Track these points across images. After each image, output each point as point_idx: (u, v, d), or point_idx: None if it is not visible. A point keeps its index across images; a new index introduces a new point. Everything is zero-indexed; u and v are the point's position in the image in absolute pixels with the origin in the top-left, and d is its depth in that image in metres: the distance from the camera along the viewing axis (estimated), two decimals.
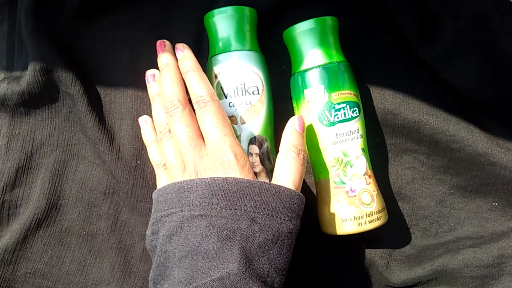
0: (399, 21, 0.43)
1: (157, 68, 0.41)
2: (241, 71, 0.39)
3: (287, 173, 0.34)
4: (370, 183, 0.39)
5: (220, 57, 0.39)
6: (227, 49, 0.39)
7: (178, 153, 0.36)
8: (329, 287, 0.43)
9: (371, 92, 0.42)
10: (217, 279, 0.28)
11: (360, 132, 0.39)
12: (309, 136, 0.40)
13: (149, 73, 0.42)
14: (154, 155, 0.40)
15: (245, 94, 0.39)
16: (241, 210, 0.31)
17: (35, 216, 0.43)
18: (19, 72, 0.45)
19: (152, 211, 0.36)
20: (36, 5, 0.43)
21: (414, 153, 0.42)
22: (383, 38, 0.43)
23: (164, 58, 0.39)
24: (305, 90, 0.39)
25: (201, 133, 0.36)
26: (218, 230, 0.30)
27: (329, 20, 0.39)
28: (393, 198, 0.43)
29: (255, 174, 0.38)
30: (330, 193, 0.39)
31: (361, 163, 0.39)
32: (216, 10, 0.40)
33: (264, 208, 0.31)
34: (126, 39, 0.45)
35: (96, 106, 0.44)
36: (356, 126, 0.39)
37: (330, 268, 0.43)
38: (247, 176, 0.33)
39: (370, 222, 0.38)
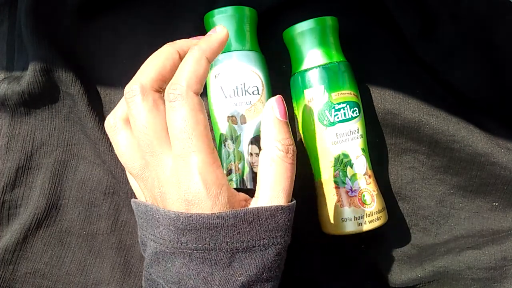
0: (399, 21, 0.43)
1: None
2: (241, 71, 0.39)
3: (274, 180, 0.28)
4: (370, 183, 0.39)
5: (220, 57, 0.39)
6: (227, 49, 0.39)
7: (135, 152, 0.30)
8: (328, 287, 0.43)
9: (371, 92, 0.42)
10: None
11: (360, 132, 0.39)
12: (309, 136, 0.40)
13: None
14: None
15: (245, 94, 0.39)
16: (215, 250, 0.26)
17: (35, 216, 0.43)
18: (19, 72, 0.45)
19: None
20: (36, 5, 0.43)
21: (414, 153, 0.42)
22: (383, 38, 0.43)
23: (183, 40, 0.32)
24: (305, 90, 0.39)
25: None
26: (194, 272, 0.26)
27: (329, 20, 0.39)
28: (393, 198, 0.43)
29: (255, 174, 0.38)
30: (330, 193, 0.39)
31: (361, 163, 0.39)
32: (216, 10, 0.40)
33: (243, 241, 0.26)
34: (126, 39, 0.45)
35: (96, 106, 0.44)
36: (356, 126, 0.39)
37: (330, 268, 0.43)
38: (221, 207, 0.26)
39: (370, 222, 0.38)
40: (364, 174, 0.39)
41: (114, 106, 0.44)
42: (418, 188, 0.43)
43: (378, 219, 0.38)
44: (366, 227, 0.38)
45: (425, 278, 0.40)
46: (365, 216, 0.38)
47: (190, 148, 0.26)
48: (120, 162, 0.43)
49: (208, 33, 0.31)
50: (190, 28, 0.44)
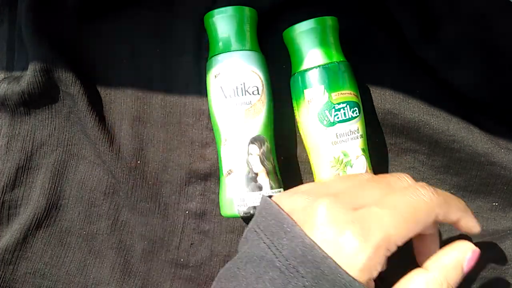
0: (399, 21, 0.43)
1: (156, 64, 0.41)
2: (241, 71, 0.39)
3: None
4: None
5: (220, 57, 0.39)
6: (227, 49, 0.39)
7: None
8: None
9: (371, 92, 0.42)
10: None
11: (360, 132, 0.39)
12: (309, 136, 0.40)
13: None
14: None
15: (245, 94, 0.39)
16: None
17: (35, 216, 0.43)
18: (19, 72, 0.45)
19: None
20: (36, 5, 0.43)
21: (414, 153, 0.42)
22: (383, 38, 0.43)
23: None
24: (305, 90, 0.39)
25: None
26: None
27: (329, 20, 0.39)
28: None
29: (255, 174, 0.38)
30: None
31: (361, 163, 0.39)
32: (216, 10, 0.40)
33: None
34: (126, 39, 0.45)
35: (96, 106, 0.44)
36: (356, 126, 0.39)
37: None
38: (364, 280, 0.26)
39: None
40: None
41: (114, 106, 0.44)
42: None
43: None
44: None
45: None
46: None
47: (388, 233, 0.27)
48: (120, 162, 0.43)
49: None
50: (190, 29, 0.44)
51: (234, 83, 0.39)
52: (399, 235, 0.27)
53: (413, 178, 0.42)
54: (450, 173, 0.42)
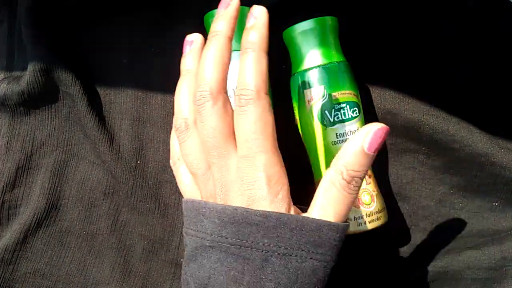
0: (399, 21, 0.43)
1: (156, 64, 0.41)
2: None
3: (328, 202, 0.28)
4: (370, 183, 0.39)
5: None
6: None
7: (201, 153, 0.30)
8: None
9: (371, 92, 0.42)
10: None
11: None
12: (309, 136, 0.40)
13: (189, 38, 0.34)
14: (175, 144, 0.34)
15: None
16: (251, 248, 0.26)
17: (35, 216, 0.43)
18: (19, 72, 0.45)
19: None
20: (36, 5, 0.43)
21: (414, 153, 0.42)
22: (383, 38, 0.43)
23: (219, 23, 0.30)
24: (305, 90, 0.39)
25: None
26: (227, 268, 0.26)
27: (329, 20, 0.39)
28: (393, 198, 0.43)
29: None
30: None
31: None
32: (215, 10, 0.39)
33: (280, 246, 0.26)
34: (126, 39, 0.45)
35: (96, 106, 0.44)
36: (356, 126, 0.39)
37: None
38: (278, 207, 0.27)
39: (370, 222, 0.38)
40: None
41: (114, 106, 0.44)
42: (418, 188, 0.43)
43: (378, 219, 0.38)
44: (366, 227, 0.38)
45: (425, 278, 0.40)
46: (365, 216, 0.38)
47: (257, 148, 0.27)
48: (120, 162, 0.43)
49: (249, 17, 0.29)
50: (189, 28, 0.44)
51: (234, 83, 0.38)
52: (267, 159, 0.28)
53: (413, 178, 0.43)
54: (450, 173, 0.42)
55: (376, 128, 0.28)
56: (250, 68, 0.28)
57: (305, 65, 0.39)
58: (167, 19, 0.45)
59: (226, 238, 0.27)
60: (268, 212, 0.26)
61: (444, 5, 0.42)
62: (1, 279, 0.42)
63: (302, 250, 0.26)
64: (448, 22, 0.42)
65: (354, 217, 0.38)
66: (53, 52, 0.42)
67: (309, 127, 0.39)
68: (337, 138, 0.38)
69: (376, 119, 0.42)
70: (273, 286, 0.26)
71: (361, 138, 0.28)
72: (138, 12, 0.45)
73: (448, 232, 0.42)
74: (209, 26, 0.40)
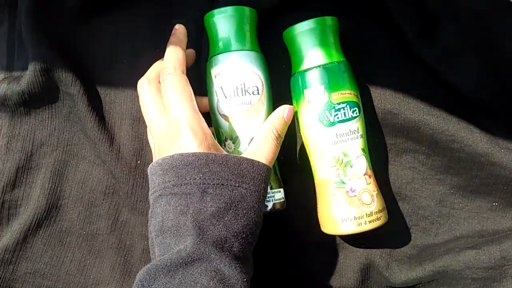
0: (399, 21, 0.43)
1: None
2: (241, 71, 0.39)
3: (261, 149, 0.35)
4: (370, 183, 0.39)
5: (220, 57, 0.39)
6: (227, 49, 0.39)
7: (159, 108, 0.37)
8: (328, 287, 0.43)
9: (371, 92, 0.42)
10: (175, 252, 0.30)
11: (360, 132, 0.39)
12: (309, 136, 0.40)
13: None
14: None
15: (245, 94, 0.38)
16: (191, 184, 0.32)
17: (35, 216, 0.43)
18: (19, 72, 0.45)
19: None
20: (36, 5, 0.43)
21: (414, 153, 0.42)
22: (383, 38, 0.43)
23: (172, 36, 0.40)
24: (305, 90, 0.39)
25: None
26: (173, 206, 0.32)
27: (329, 20, 0.39)
28: (393, 198, 0.43)
29: None
30: (330, 193, 0.39)
31: (361, 163, 0.39)
32: (216, 10, 0.40)
33: (213, 178, 0.32)
34: (126, 39, 0.45)
35: (96, 106, 0.44)
36: (356, 126, 0.39)
37: (330, 268, 0.43)
38: (206, 149, 0.33)
39: (370, 222, 0.38)
40: (364, 174, 0.39)
41: (114, 106, 0.44)
42: (418, 188, 0.43)
43: (378, 219, 0.38)
44: (366, 227, 0.38)
45: (425, 278, 0.40)
46: (365, 216, 0.38)
47: (180, 108, 0.34)
48: (120, 162, 0.43)
49: (173, 30, 0.40)
50: (190, 28, 0.44)
51: (234, 83, 0.38)
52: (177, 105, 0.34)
53: (413, 178, 0.43)
54: (450, 173, 0.42)
55: (289, 107, 0.38)
56: (167, 53, 0.37)
57: (305, 65, 0.39)
58: (167, 19, 0.45)
59: (169, 182, 0.32)
60: (199, 152, 0.32)
61: (444, 5, 0.42)
62: (1, 279, 0.42)
63: (230, 180, 0.32)
64: (448, 22, 0.42)
65: (354, 217, 0.38)
66: (53, 52, 0.42)
67: (309, 127, 0.39)
68: (337, 138, 0.38)
69: (376, 119, 0.42)
70: (214, 209, 0.31)
71: (281, 111, 0.38)
72: (138, 12, 0.45)
73: (448, 232, 0.42)
74: (209, 26, 0.40)
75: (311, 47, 0.39)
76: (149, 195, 0.34)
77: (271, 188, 0.39)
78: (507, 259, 0.38)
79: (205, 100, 0.41)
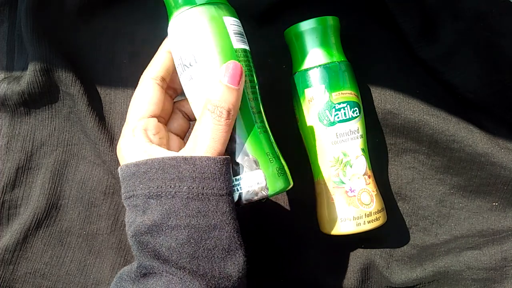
0: (399, 21, 0.43)
1: None
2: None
3: (198, 136, 0.30)
4: (369, 183, 0.39)
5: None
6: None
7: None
8: (328, 287, 0.43)
9: (371, 92, 0.42)
10: (129, 268, 0.30)
11: (360, 132, 0.39)
12: (309, 135, 0.40)
13: None
14: None
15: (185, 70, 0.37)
16: (134, 197, 0.30)
17: (35, 216, 0.43)
18: (19, 72, 0.45)
19: None
20: (36, 5, 0.43)
21: (414, 153, 0.42)
22: (383, 38, 0.43)
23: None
24: (305, 90, 0.39)
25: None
26: (127, 218, 0.31)
27: (330, 19, 0.39)
28: (393, 198, 0.43)
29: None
30: (329, 193, 0.39)
31: (361, 163, 0.39)
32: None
33: (152, 187, 0.29)
34: (126, 39, 0.45)
35: (96, 106, 0.44)
36: (356, 126, 0.39)
37: (330, 268, 0.43)
38: (140, 157, 0.31)
39: (369, 222, 0.38)
40: (364, 174, 0.39)
41: (114, 106, 0.44)
42: (418, 188, 0.43)
43: (377, 219, 0.38)
44: (365, 227, 0.38)
45: (425, 278, 0.40)
46: (364, 216, 0.38)
47: (127, 113, 0.34)
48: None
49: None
50: None
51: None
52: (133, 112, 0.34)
53: (413, 178, 0.43)
54: (450, 173, 0.42)
55: (226, 63, 0.30)
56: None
57: (306, 64, 0.39)
58: (167, 19, 0.45)
59: (124, 194, 0.31)
60: (139, 161, 0.30)
61: (445, 5, 0.42)
62: (1, 279, 0.42)
63: (169, 187, 0.29)
64: (448, 22, 0.42)
65: (354, 217, 0.38)
66: (53, 52, 0.42)
67: (309, 127, 0.39)
68: (337, 138, 0.38)
69: (376, 119, 0.42)
70: (150, 223, 0.29)
71: (217, 73, 0.30)
72: (138, 13, 0.45)
73: (448, 232, 0.42)
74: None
75: (312, 47, 0.39)
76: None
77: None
78: (508, 260, 0.38)
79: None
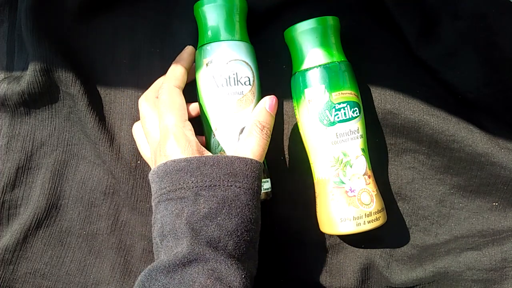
0: (399, 21, 0.43)
1: (156, 64, 0.41)
2: (233, 61, 0.39)
3: (249, 145, 0.36)
4: (369, 183, 0.39)
5: (211, 46, 0.39)
6: (216, 38, 0.39)
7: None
8: (328, 287, 0.43)
9: (371, 92, 0.42)
10: (173, 254, 0.32)
11: (360, 132, 0.39)
12: (309, 135, 0.40)
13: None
14: None
15: (237, 84, 0.38)
16: (184, 188, 0.33)
17: (35, 216, 0.43)
18: (19, 72, 0.45)
19: None
20: (36, 5, 0.43)
21: (414, 153, 0.42)
22: (383, 38, 0.43)
23: (178, 56, 0.42)
24: (305, 90, 0.39)
25: None
26: (170, 211, 0.33)
27: (330, 19, 0.39)
28: (393, 198, 0.43)
29: None
30: (330, 193, 0.39)
31: (361, 163, 0.39)
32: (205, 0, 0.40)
33: (205, 180, 0.33)
34: (126, 39, 0.45)
35: (96, 106, 0.44)
36: (356, 126, 0.39)
37: (330, 268, 0.43)
38: (189, 154, 0.34)
39: (369, 222, 0.38)
40: (364, 174, 0.39)
41: (114, 106, 0.44)
42: (418, 188, 0.43)
43: (377, 219, 0.38)
44: (365, 227, 0.38)
45: (425, 279, 0.40)
46: (364, 216, 0.38)
47: (166, 119, 0.36)
48: (120, 162, 0.43)
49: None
50: (189, 28, 0.44)
51: (227, 72, 0.38)
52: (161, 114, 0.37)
53: (413, 178, 0.43)
54: (450, 173, 0.42)
55: (269, 96, 0.38)
56: (168, 72, 0.39)
57: (306, 64, 0.39)
58: (167, 19, 0.45)
59: (165, 189, 0.33)
60: (189, 157, 0.34)
61: (445, 5, 0.42)
62: (1, 279, 0.42)
63: (223, 181, 0.33)
64: (448, 22, 0.42)
65: (354, 217, 0.38)
66: (53, 52, 0.42)
67: (309, 127, 0.39)
68: (337, 138, 0.38)
69: (376, 119, 0.42)
70: (207, 210, 0.32)
71: (262, 104, 0.38)
72: (138, 12, 0.45)
73: (448, 232, 0.42)
74: (199, 15, 0.40)
75: (312, 47, 0.39)
76: (152, 202, 0.36)
77: None
78: (508, 261, 0.38)
79: (194, 105, 0.42)
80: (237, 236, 0.32)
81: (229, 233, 0.32)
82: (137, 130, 0.41)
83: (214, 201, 0.32)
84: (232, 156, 0.34)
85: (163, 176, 0.34)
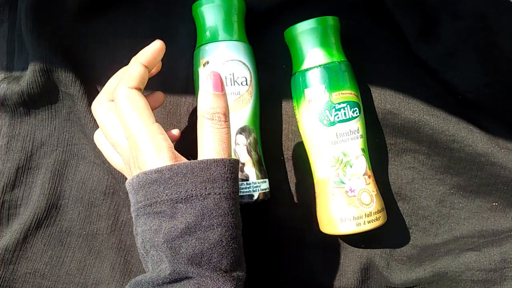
0: (399, 21, 0.43)
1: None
2: (230, 61, 0.39)
3: (205, 143, 0.32)
4: (369, 183, 0.39)
5: (209, 46, 0.39)
6: (214, 39, 0.39)
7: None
8: (328, 287, 0.43)
9: (371, 92, 0.42)
10: (157, 271, 0.30)
11: (360, 132, 0.39)
12: (309, 135, 0.40)
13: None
14: None
15: (234, 85, 0.39)
16: (159, 203, 0.30)
17: (35, 216, 0.43)
18: (19, 72, 0.45)
19: None
20: (36, 5, 0.43)
21: (414, 153, 0.42)
22: (383, 39, 0.43)
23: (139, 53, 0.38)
24: (305, 90, 0.39)
25: None
26: (149, 226, 0.31)
27: (330, 20, 0.39)
28: (393, 198, 0.43)
29: (242, 164, 0.38)
30: (330, 193, 0.39)
31: (361, 163, 0.39)
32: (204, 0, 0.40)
33: (180, 192, 0.30)
34: (126, 39, 0.45)
35: None
36: (356, 126, 0.39)
37: (330, 268, 0.43)
38: (162, 162, 0.31)
39: (369, 222, 0.38)
40: (364, 174, 0.39)
41: None
42: (418, 188, 0.43)
43: (377, 219, 0.38)
44: (365, 227, 0.38)
45: (424, 279, 0.40)
46: (364, 216, 0.38)
47: (131, 126, 0.32)
48: None
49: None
50: (189, 28, 0.44)
51: (223, 73, 0.38)
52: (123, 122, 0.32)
53: (413, 178, 0.43)
54: (450, 173, 0.42)
55: (208, 74, 0.32)
56: (123, 72, 0.35)
57: (306, 64, 0.39)
58: (167, 19, 0.45)
59: (141, 203, 0.31)
60: (161, 167, 0.30)
61: (445, 5, 0.42)
62: (1, 279, 0.42)
63: (200, 189, 0.30)
64: (448, 22, 0.42)
65: (353, 217, 0.38)
66: (53, 52, 0.42)
67: (309, 127, 0.39)
68: (337, 138, 0.38)
69: (376, 119, 0.42)
70: (184, 226, 0.29)
71: (202, 87, 0.32)
72: (138, 12, 0.45)
73: (448, 232, 0.42)
74: (197, 15, 0.40)
75: (312, 47, 0.39)
76: (131, 213, 0.33)
77: (257, 178, 0.39)
78: (508, 262, 0.38)
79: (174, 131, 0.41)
80: (221, 246, 0.30)
81: (212, 245, 0.29)
82: (101, 140, 0.38)
83: (192, 213, 0.29)
84: (208, 160, 0.30)
85: (137, 189, 0.31)
